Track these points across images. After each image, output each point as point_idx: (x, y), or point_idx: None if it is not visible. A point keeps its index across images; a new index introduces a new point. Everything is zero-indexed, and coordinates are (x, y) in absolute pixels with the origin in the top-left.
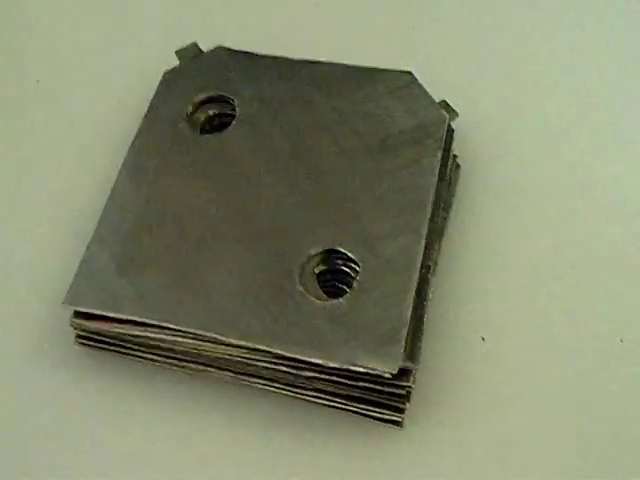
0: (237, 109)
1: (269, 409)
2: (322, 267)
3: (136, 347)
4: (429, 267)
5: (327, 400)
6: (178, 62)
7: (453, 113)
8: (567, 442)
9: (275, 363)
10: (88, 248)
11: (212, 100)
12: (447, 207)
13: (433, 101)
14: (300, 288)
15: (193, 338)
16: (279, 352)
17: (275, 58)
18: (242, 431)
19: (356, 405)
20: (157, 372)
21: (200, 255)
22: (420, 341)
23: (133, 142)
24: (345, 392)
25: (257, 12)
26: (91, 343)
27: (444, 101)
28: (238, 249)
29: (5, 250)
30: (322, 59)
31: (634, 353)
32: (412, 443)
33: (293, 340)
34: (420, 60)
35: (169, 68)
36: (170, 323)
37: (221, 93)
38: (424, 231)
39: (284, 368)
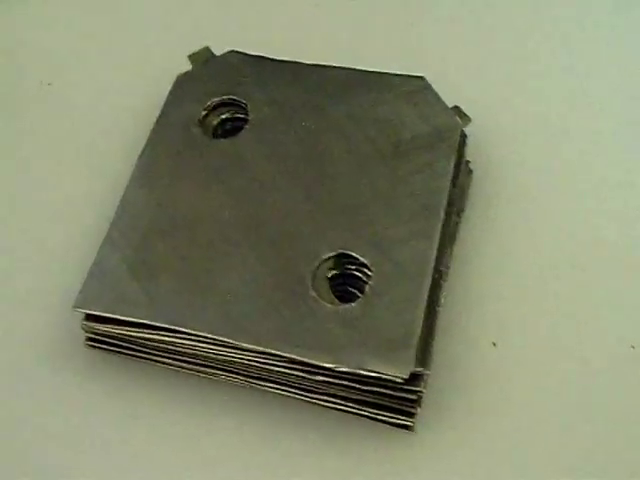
0: (249, 113)
1: (280, 413)
2: (334, 271)
3: (147, 350)
4: (441, 272)
5: (339, 404)
6: (191, 66)
7: (466, 119)
8: (579, 447)
9: (287, 367)
10: (100, 251)
11: (224, 104)
12: (459, 212)
13: (446, 106)
14: (312, 293)
15: (205, 342)
16: (291, 356)
17: (287, 62)
18: (252, 434)
19: (368, 409)
20: (167, 375)
21: (212, 259)
22: (432, 346)
23: (145, 146)
24: (357, 396)
25: (270, 16)
26: (101, 345)
27: (457, 107)
28: (250, 253)
29: (18, 252)
30: (334, 64)
31: None
32: (423, 448)
33: (305, 344)
34: (433, 65)
35: (182, 72)
36: (182, 327)
37: (233, 97)
38: (437, 236)
39: (296, 372)
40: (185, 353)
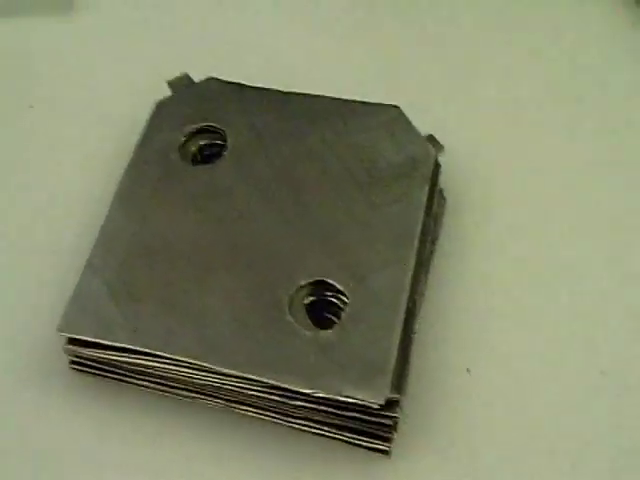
0: (228, 140)
1: (259, 437)
2: (311, 298)
3: (129, 374)
4: (415, 300)
5: (316, 429)
6: (170, 92)
7: (439, 147)
8: (554, 471)
9: (265, 392)
10: (81, 276)
11: (203, 131)
12: (434, 240)
13: (420, 136)
14: (290, 318)
15: (185, 367)
16: (269, 381)
17: (266, 90)
18: (231, 458)
19: (345, 434)
20: (149, 398)
21: (191, 284)
22: (407, 372)
23: (125, 172)
24: (334, 421)
25: (248, 44)
26: (85, 369)
27: (431, 135)
28: (229, 279)
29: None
30: (311, 92)
31: (615, 385)
32: (399, 472)
33: (283, 370)
34: (408, 94)
35: (161, 98)
36: (162, 351)
37: (212, 124)
38: (411, 264)
39: (274, 397)
40: (165, 377)
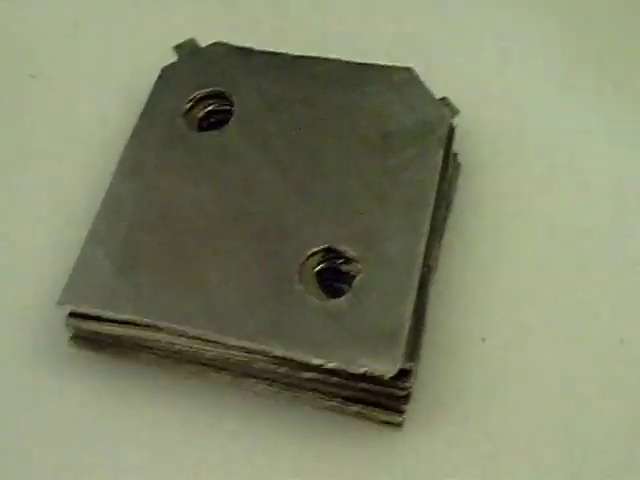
0: (235, 105)
1: (267, 410)
2: (322, 266)
3: (132, 348)
4: (430, 266)
5: (326, 401)
6: (176, 58)
7: (454, 110)
8: (567, 442)
9: (274, 364)
10: (84, 247)
11: (210, 96)
12: (448, 205)
13: (434, 98)
14: (300, 287)
15: (191, 339)
16: (278, 353)
17: (273, 54)
18: (236, 434)
19: (356, 406)
20: (152, 373)
21: (198, 254)
22: (420, 341)
23: (130, 139)
24: (345, 393)
25: (255, 7)
26: (85, 344)
27: (445, 98)
28: (237, 248)
29: None
30: (321, 55)
31: (634, 354)
32: (412, 444)
33: (292, 340)
34: (421, 56)
35: (167, 64)
36: (167, 323)
37: (219, 89)
38: (426, 229)
39: (283, 369)
40: (170, 350)
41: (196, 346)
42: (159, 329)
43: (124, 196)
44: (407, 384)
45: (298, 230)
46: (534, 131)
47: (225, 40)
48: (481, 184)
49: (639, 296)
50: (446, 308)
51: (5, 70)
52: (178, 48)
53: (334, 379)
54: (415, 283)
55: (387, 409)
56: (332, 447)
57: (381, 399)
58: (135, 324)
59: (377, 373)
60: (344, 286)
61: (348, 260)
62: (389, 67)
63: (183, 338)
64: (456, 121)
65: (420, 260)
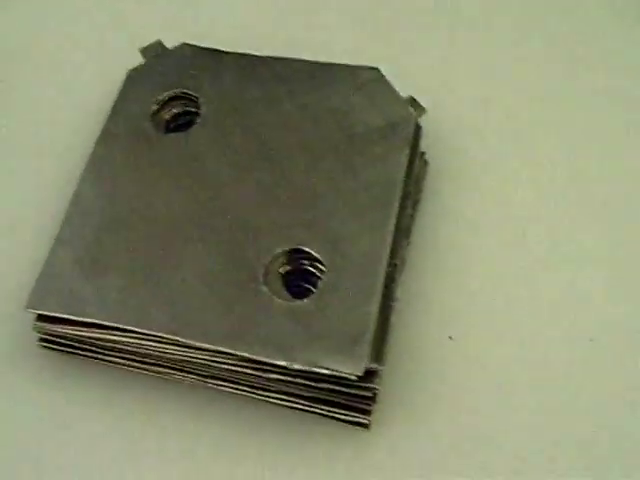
0: (201, 107)
1: (233, 412)
2: (287, 267)
3: (99, 350)
4: (396, 265)
5: (292, 402)
6: (142, 60)
7: (420, 109)
8: (537, 440)
9: (239, 365)
10: (51, 250)
11: (177, 98)
12: (415, 204)
13: (400, 97)
14: (264, 289)
15: (156, 341)
16: (243, 354)
17: (240, 55)
18: (205, 434)
19: (322, 407)
20: (121, 375)
21: (164, 256)
22: (387, 341)
23: (97, 142)
24: (311, 394)
25: (222, 9)
26: (54, 346)
27: (411, 97)
28: (202, 249)
29: None
30: (287, 55)
31: (603, 353)
32: (379, 445)
33: (257, 342)
34: (387, 56)
35: (133, 66)
36: (133, 326)
37: (185, 91)
38: (390, 229)
39: (248, 370)
40: (138, 352)
41: (161, 348)
42: (125, 331)
43: (91, 199)
44: (373, 385)
45: (263, 231)
46: (504, 128)
47: (191, 42)
48: (449, 183)
49: (608, 295)
50: (413, 307)
51: None
52: (144, 50)
53: (300, 380)
54: (380, 283)
55: (354, 410)
56: (299, 448)
57: (348, 400)
58: (101, 327)
59: (342, 374)
60: (309, 287)
61: (313, 261)
62: (355, 67)
63: (148, 340)
64: (424, 120)
65: (385, 260)
